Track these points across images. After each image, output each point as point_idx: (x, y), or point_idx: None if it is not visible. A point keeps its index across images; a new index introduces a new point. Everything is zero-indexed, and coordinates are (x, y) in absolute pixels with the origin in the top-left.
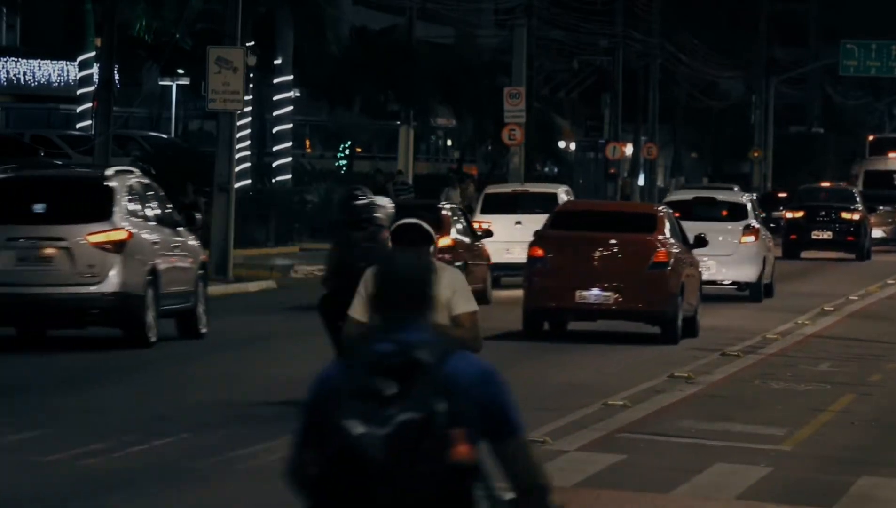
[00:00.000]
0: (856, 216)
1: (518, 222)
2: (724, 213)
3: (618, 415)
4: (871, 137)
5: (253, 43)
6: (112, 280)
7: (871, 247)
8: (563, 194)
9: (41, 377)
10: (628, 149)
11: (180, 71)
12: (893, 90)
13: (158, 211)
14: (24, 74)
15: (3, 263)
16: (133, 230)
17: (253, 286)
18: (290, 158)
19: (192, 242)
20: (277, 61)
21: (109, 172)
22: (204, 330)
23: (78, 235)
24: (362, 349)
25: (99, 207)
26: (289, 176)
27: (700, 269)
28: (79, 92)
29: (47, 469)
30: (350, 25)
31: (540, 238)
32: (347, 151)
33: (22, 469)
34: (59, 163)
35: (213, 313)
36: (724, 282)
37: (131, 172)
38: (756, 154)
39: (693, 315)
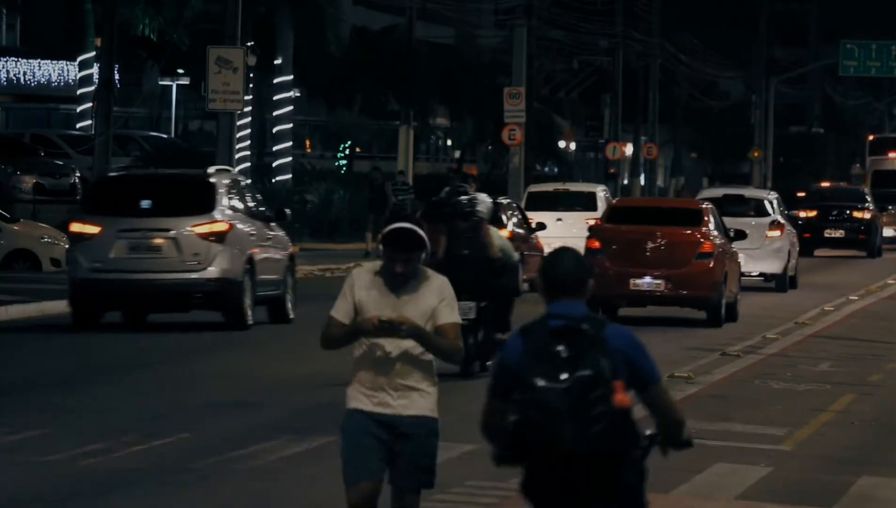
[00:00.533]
0: (867, 215)
1: (559, 219)
2: (751, 211)
3: None
4: (871, 137)
5: (253, 43)
6: (215, 267)
7: (881, 245)
8: (600, 193)
9: (46, 376)
10: (628, 149)
11: (180, 71)
12: (893, 90)
13: (252, 206)
14: (24, 74)
15: (116, 252)
16: (233, 223)
17: None
18: (290, 158)
19: (281, 234)
20: (277, 61)
21: (211, 170)
22: (292, 316)
23: (184, 226)
24: (539, 323)
25: (203, 201)
26: (289, 176)
27: (739, 259)
28: (79, 92)
29: (47, 469)
30: (350, 25)
31: (597, 231)
32: (347, 151)
33: (22, 469)
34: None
35: (212, 311)
36: (752, 274)
37: (228, 170)
38: (756, 154)
39: (734, 302)
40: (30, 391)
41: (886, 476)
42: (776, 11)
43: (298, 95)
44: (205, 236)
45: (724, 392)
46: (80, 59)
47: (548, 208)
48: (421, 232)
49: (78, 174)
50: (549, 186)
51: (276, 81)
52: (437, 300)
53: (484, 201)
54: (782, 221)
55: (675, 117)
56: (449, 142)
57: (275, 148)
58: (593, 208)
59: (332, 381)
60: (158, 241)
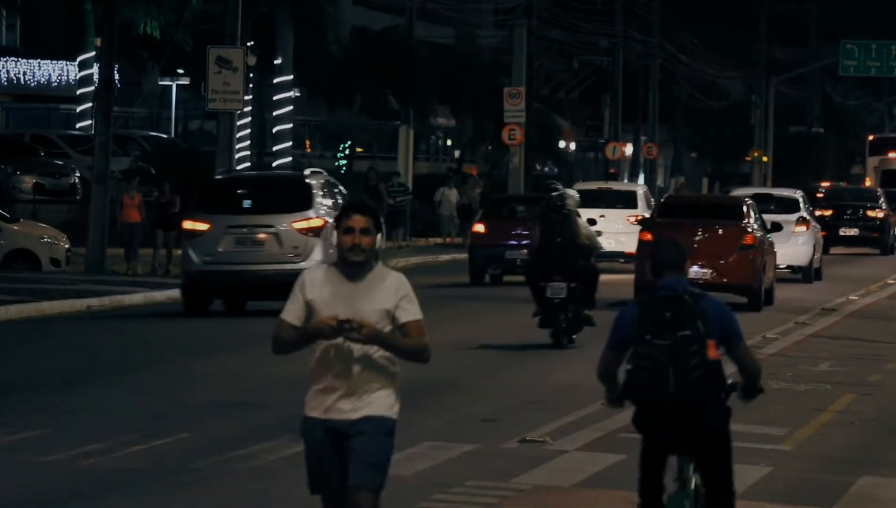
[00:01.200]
0: (880, 214)
1: (602, 215)
2: (780, 208)
3: (618, 415)
4: (871, 137)
5: (253, 43)
6: (313, 258)
7: (894, 242)
8: (640, 192)
9: (46, 376)
10: (628, 149)
11: (180, 71)
12: (893, 90)
13: (340, 203)
14: (24, 74)
15: (224, 246)
16: (327, 219)
17: None
18: (290, 158)
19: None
20: (277, 61)
21: (307, 172)
22: None
23: (285, 223)
24: (651, 294)
25: (301, 200)
26: None
27: (775, 250)
28: (79, 92)
29: (47, 469)
30: (350, 25)
31: (649, 225)
32: (347, 151)
33: (22, 469)
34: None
35: (213, 311)
36: (781, 266)
37: (320, 172)
38: (756, 154)
39: (770, 287)
40: (30, 391)
41: (886, 476)
42: (776, 11)
43: (298, 95)
44: (303, 231)
45: None
46: (80, 59)
47: (592, 205)
48: (375, 211)
49: (78, 174)
50: (593, 185)
51: (276, 81)
52: (395, 298)
53: (572, 196)
54: (808, 217)
55: (675, 117)
56: (449, 142)
57: (275, 148)
58: (634, 205)
59: None
60: (262, 236)
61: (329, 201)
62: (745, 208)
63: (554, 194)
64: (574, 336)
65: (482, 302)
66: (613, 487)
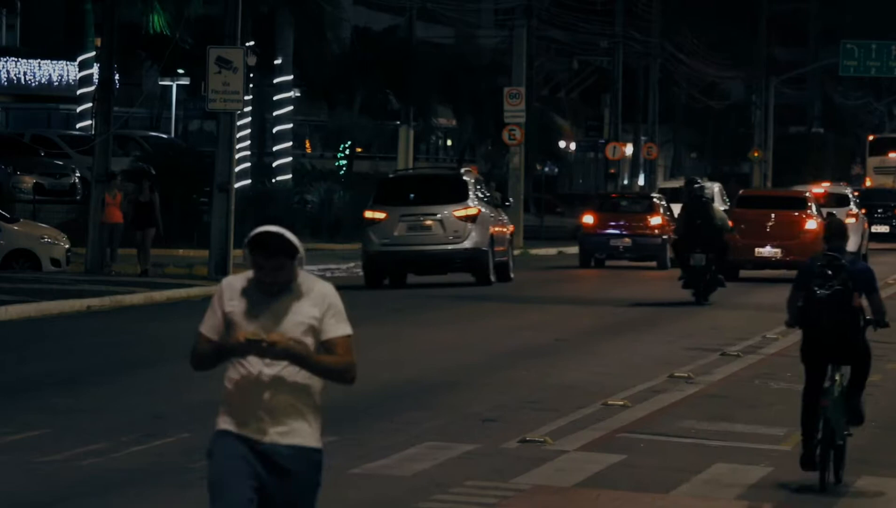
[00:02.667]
0: None
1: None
2: (833, 202)
3: (618, 415)
4: (871, 137)
5: (253, 43)
6: (469, 241)
7: None
8: (716, 188)
9: (46, 376)
10: (628, 149)
11: (180, 71)
12: (893, 90)
13: (489, 196)
14: (24, 74)
15: (398, 231)
16: (481, 208)
17: None
18: (290, 158)
19: (505, 217)
20: (277, 61)
21: (462, 170)
22: (512, 276)
23: (447, 211)
24: (819, 256)
25: (459, 193)
26: (289, 176)
27: None
28: (79, 92)
29: (47, 469)
30: (350, 25)
31: (730, 215)
32: (347, 151)
33: (22, 469)
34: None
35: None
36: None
37: (471, 171)
38: (756, 154)
39: None
40: (30, 391)
41: (886, 476)
42: (776, 11)
43: (298, 95)
44: (461, 218)
45: (724, 392)
46: (80, 59)
47: (679, 201)
48: (291, 237)
49: (78, 174)
50: (676, 184)
51: (276, 81)
52: (320, 311)
53: (711, 187)
54: (856, 209)
55: (675, 117)
56: (449, 142)
57: (275, 148)
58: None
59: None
60: (429, 222)
61: (481, 194)
62: (807, 200)
63: (696, 186)
64: (710, 296)
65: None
66: (613, 487)
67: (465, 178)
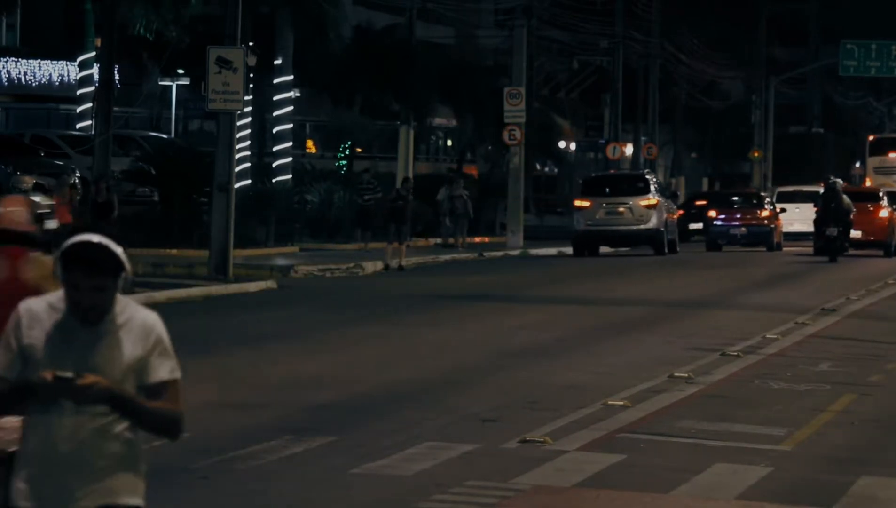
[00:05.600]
0: None
1: (797, 208)
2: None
3: (618, 415)
4: (871, 137)
5: (253, 43)
6: (650, 223)
7: None
8: (839, 183)
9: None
10: (628, 149)
11: (180, 71)
12: (893, 90)
13: (663, 190)
14: (25, 74)
15: (599, 215)
16: (659, 199)
17: (253, 286)
18: (290, 158)
19: (674, 206)
20: (277, 61)
21: (646, 170)
22: (678, 249)
23: (635, 201)
24: None
25: (644, 188)
26: (289, 176)
27: None
28: (79, 92)
29: None
30: (350, 25)
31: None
32: (347, 151)
33: None
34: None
35: (212, 311)
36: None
37: (652, 172)
38: (756, 154)
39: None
40: None
41: (886, 476)
42: (776, 11)
43: (298, 95)
44: (645, 207)
45: (724, 392)
46: (80, 59)
47: (790, 201)
48: (116, 249)
49: (78, 174)
50: (790, 188)
51: (276, 81)
52: (144, 347)
53: (839, 182)
54: (888, 205)
55: (675, 117)
56: (449, 142)
57: (275, 148)
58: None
59: (332, 381)
60: (621, 209)
61: (659, 189)
62: (880, 194)
63: (831, 181)
64: (838, 258)
65: (597, 279)
66: (613, 487)
67: (647, 177)
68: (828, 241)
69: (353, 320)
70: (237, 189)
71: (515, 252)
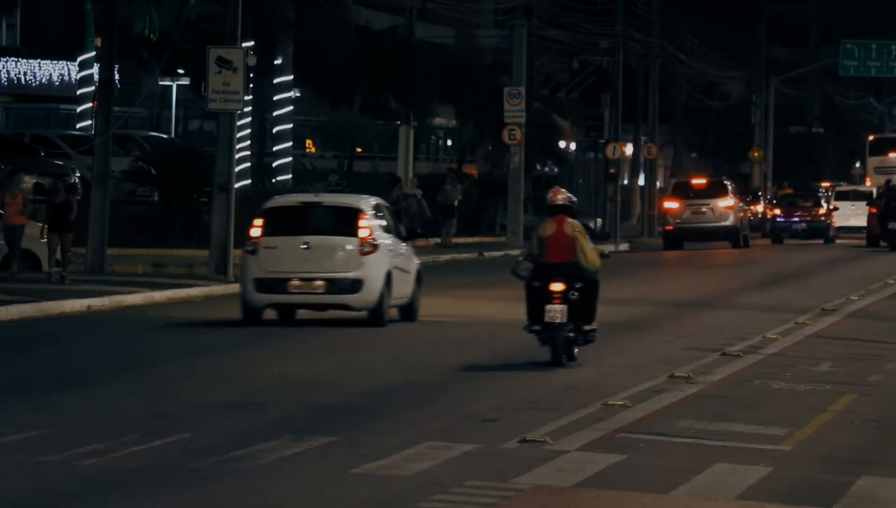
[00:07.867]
0: None
1: (852, 205)
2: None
3: (618, 415)
4: (871, 137)
5: (253, 43)
6: (729, 221)
7: None
8: (873, 190)
9: (46, 376)
10: (628, 149)
11: (180, 71)
12: (893, 90)
13: (741, 194)
14: (25, 74)
15: (685, 215)
16: (737, 202)
17: None
18: (290, 158)
19: (748, 208)
20: (277, 61)
21: (724, 178)
22: (751, 244)
23: (716, 203)
24: None
25: (723, 192)
26: (289, 176)
27: None
28: (79, 92)
29: (47, 469)
30: (350, 25)
31: (873, 204)
32: (347, 152)
33: (22, 469)
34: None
35: (213, 312)
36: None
37: (729, 180)
38: (756, 154)
39: None
40: (29, 391)
41: (886, 476)
42: (776, 11)
43: (298, 95)
44: (724, 208)
45: (724, 392)
46: (80, 59)
47: (844, 199)
48: None
49: (78, 174)
50: (847, 188)
51: (276, 81)
52: None
53: None
54: None
55: (675, 117)
56: (449, 142)
57: (275, 148)
58: (870, 199)
59: (332, 381)
60: (704, 209)
61: (736, 192)
62: None
63: (891, 185)
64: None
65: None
66: (613, 487)
67: (725, 182)
68: (891, 234)
69: (353, 319)
70: (237, 189)
71: (516, 252)
